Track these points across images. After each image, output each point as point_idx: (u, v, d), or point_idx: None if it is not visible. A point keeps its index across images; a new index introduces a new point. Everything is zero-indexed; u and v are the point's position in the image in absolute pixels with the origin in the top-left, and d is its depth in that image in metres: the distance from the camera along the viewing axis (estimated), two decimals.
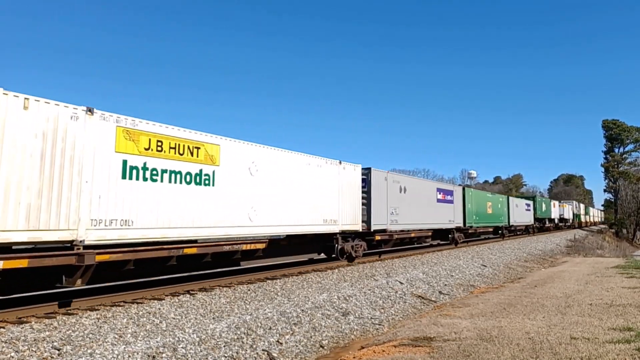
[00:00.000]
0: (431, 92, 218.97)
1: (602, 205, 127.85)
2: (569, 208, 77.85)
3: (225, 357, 8.46)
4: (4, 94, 8.44)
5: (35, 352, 7.25)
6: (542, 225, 59.25)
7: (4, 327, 8.26)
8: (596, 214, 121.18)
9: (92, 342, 7.90)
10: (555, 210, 67.22)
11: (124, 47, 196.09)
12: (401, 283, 16.24)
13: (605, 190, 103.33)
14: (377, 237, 21.00)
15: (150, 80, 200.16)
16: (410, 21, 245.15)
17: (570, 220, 79.14)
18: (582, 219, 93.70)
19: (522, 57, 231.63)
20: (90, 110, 9.77)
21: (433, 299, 15.34)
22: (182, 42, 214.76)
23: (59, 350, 7.41)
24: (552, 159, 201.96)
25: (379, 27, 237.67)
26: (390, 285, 15.73)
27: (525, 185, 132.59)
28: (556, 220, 67.63)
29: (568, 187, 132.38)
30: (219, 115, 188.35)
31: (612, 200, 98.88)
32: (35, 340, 7.69)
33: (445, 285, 17.54)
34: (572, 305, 12.20)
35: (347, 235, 19.17)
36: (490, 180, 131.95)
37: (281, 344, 9.49)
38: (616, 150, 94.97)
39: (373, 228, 20.36)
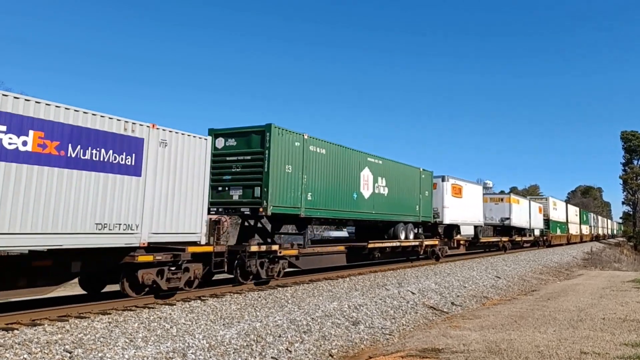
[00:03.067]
0: (448, 101, 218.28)
1: (620, 218, 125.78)
2: (528, 207, 42.74)
3: None
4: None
5: (47, 354, 7.38)
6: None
7: (17, 329, 8.42)
8: (607, 224, 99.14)
9: (103, 345, 8.02)
10: (461, 205, 27.79)
11: (122, 49, 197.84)
12: (413, 293, 16.18)
13: (623, 203, 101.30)
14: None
15: (149, 82, 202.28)
16: (425, 30, 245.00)
17: (538, 233, 46.59)
18: (573, 229, 62.21)
19: (541, 67, 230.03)
20: None
21: (445, 310, 15.25)
22: (181, 44, 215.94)
23: (70, 353, 7.53)
24: (569, 171, 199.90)
25: (397, 35, 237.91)
26: (402, 295, 15.68)
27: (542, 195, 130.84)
28: (470, 231, 30.93)
29: (586, 198, 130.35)
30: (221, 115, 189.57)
31: (631, 212, 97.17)
32: (47, 342, 7.83)
33: (458, 296, 17.43)
34: (584, 319, 12.06)
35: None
36: (507, 190, 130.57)
37: (290, 352, 9.52)
38: (635, 162, 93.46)
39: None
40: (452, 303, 16.27)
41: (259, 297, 13.05)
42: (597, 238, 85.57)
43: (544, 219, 48.47)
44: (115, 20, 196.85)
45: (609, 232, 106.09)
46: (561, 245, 54.37)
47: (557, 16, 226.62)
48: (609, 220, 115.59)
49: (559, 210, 55.17)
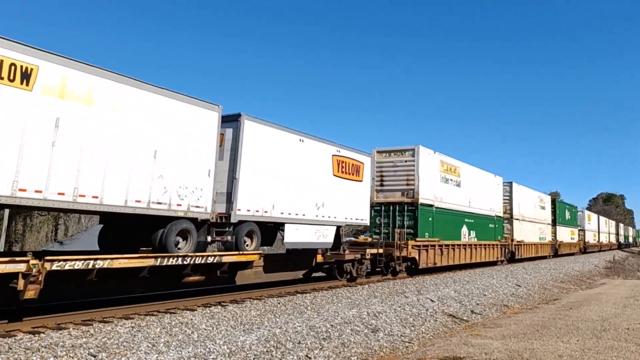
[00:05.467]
0: (467, 104, 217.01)
1: None
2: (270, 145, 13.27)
3: None
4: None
5: (72, 357, 7.50)
6: None
7: (44, 332, 8.59)
8: (608, 227, 72.41)
9: (127, 350, 8.12)
10: None
11: (120, 49, 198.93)
12: (432, 301, 16.08)
13: None
14: None
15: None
16: (444, 35, 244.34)
17: (314, 238, 15.27)
18: (531, 234, 35.65)
19: (562, 72, 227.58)
20: None
21: (464, 318, 15.12)
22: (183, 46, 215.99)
23: (94, 357, 7.65)
24: (591, 178, 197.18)
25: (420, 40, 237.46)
26: (421, 302, 15.59)
27: None
28: None
29: (608, 206, 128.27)
30: None
31: None
32: (72, 346, 7.96)
33: (478, 304, 17.27)
34: (608, 329, 11.87)
35: None
36: None
37: (310, 358, 9.52)
38: None
39: None
40: (472, 311, 16.11)
41: (278, 303, 13.09)
42: (619, 246, 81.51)
43: (384, 203, 22.16)
44: (113, 23, 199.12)
45: (631, 239, 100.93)
46: (478, 265, 26.32)
47: (578, 20, 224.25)
48: (624, 226, 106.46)
49: (469, 184, 25.72)
